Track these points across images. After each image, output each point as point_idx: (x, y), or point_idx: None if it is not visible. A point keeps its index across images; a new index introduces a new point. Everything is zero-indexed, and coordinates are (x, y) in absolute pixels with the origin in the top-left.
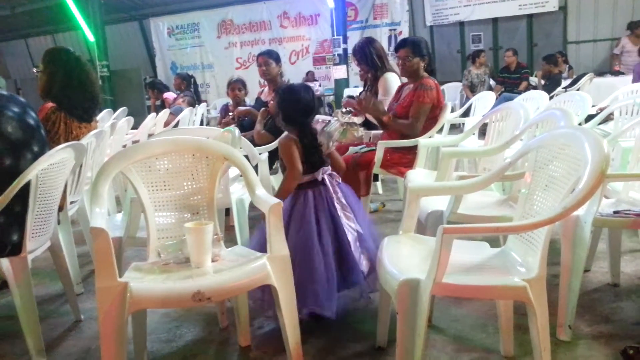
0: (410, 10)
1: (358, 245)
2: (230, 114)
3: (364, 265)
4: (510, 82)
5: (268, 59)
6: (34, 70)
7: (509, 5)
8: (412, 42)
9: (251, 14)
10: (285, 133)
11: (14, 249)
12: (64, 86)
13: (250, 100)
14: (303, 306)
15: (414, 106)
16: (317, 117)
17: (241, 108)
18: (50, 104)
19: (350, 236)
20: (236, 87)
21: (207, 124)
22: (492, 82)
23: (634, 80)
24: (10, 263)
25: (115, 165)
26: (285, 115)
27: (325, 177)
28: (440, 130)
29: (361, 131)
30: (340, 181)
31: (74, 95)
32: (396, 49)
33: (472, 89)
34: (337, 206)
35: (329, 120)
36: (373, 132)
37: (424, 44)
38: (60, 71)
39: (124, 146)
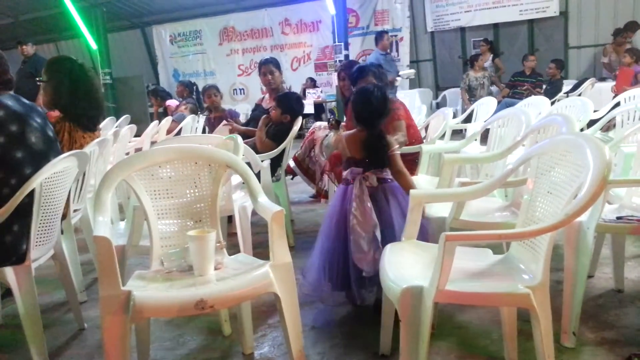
0: (411, 16)
1: (368, 249)
2: (227, 121)
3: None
4: (521, 85)
5: (272, 68)
6: (37, 80)
7: (509, 11)
8: (372, 70)
9: (253, 21)
10: (352, 130)
11: (19, 258)
12: (71, 95)
13: (250, 106)
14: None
15: (392, 126)
16: (319, 124)
17: (240, 128)
18: (54, 114)
19: (362, 237)
20: (212, 92)
21: (210, 131)
22: (492, 88)
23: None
24: (15, 272)
25: (118, 174)
26: (357, 115)
27: (356, 177)
28: (442, 136)
29: None
30: (380, 184)
31: (81, 104)
32: (356, 79)
33: (471, 92)
34: (354, 205)
35: (327, 134)
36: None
37: (377, 67)
38: (66, 80)
39: (127, 154)
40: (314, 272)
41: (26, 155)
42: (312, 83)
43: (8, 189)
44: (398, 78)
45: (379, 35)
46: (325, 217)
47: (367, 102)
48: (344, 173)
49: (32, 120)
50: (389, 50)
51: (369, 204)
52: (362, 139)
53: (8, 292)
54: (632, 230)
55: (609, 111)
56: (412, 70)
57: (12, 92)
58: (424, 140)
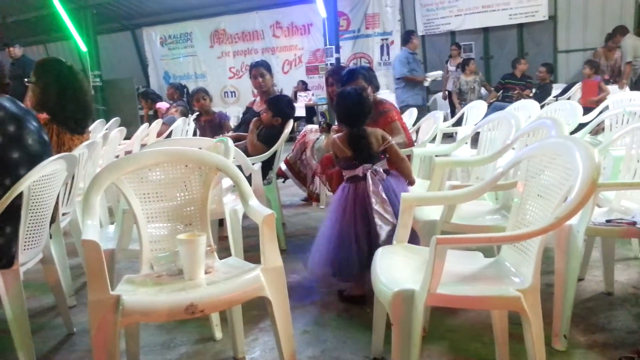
0: (401, 20)
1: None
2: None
3: None
4: (511, 87)
5: (264, 71)
6: (25, 81)
7: (499, 15)
8: (362, 73)
9: (244, 23)
10: (336, 134)
11: (7, 261)
12: (59, 97)
13: (241, 108)
14: (336, 276)
15: (389, 129)
16: (311, 126)
17: (231, 135)
18: (43, 116)
19: (383, 229)
20: (200, 96)
21: (200, 135)
22: (483, 91)
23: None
24: (2, 276)
25: (108, 177)
26: (338, 116)
27: (368, 173)
28: (433, 139)
29: None
30: (386, 176)
31: (69, 106)
32: (346, 82)
33: (462, 96)
34: (373, 200)
35: (319, 137)
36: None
37: (367, 70)
38: (55, 82)
39: (117, 157)
40: (321, 266)
41: (22, 156)
42: (303, 86)
43: (2, 190)
44: (427, 78)
45: (407, 36)
46: (330, 214)
47: (343, 103)
48: (355, 171)
49: (28, 123)
50: (417, 51)
51: (384, 196)
52: (346, 138)
53: None
54: (622, 234)
55: (598, 115)
56: (440, 72)
57: (8, 96)
58: (415, 143)
